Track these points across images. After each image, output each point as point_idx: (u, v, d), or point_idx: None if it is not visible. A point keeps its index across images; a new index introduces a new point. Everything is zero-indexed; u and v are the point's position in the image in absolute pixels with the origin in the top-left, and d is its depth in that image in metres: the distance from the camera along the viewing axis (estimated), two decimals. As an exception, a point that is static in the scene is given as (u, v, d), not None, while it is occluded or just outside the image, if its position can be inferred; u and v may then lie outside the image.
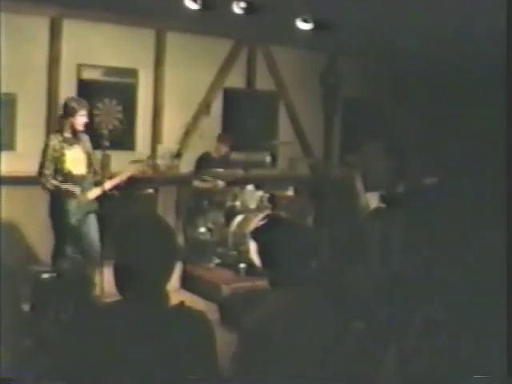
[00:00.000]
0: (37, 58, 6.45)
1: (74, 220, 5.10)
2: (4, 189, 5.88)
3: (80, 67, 6.76)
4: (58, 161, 5.08)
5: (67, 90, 6.59)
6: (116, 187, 5.40)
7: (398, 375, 3.54)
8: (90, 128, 5.36)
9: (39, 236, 5.96)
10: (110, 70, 7.04)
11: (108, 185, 5.30)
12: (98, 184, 5.31)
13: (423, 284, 5.27)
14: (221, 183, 6.69)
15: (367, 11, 5.66)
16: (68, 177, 5.12)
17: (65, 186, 5.06)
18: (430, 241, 6.63)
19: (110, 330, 1.96)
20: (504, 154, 3.79)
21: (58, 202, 5.10)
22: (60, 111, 5.32)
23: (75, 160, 5.17)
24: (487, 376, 3.18)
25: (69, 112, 5.12)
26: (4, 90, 5.98)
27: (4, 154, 6.10)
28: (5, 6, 5.59)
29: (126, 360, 1.92)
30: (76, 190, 5.08)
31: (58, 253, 5.20)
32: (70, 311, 4.58)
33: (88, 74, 6.86)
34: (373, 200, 6.47)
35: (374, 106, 8.20)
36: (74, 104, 5.15)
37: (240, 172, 6.74)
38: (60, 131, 5.16)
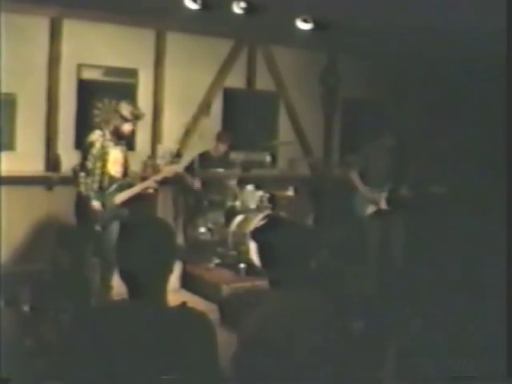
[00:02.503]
0: (37, 58, 6.44)
1: (98, 224, 5.02)
2: (4, 189, 5.88)
3: (80, 67, 6.75)
4: (101, 159, 5.07)
5: (67, 90, 6.60)
6: (145, 189, 5.38)
7: (398, 375, 3.54)
8: (133, 134, 5.32)
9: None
10: (110, 70, 7.03)
11: (137, 189, 5.28)
12: (129, 186, 5.28)
13: (423, 284, 5.28)
14: (197, 183, 6.70)
15: (367, 11, 5.66)
16: (104, 176, 5.10)
17: (92, 202, 4.99)
18: (431, 243, 6.63)
19: (110, 330, 1.96)
20: (504, 154, 3.79)
21: (83, 203, 5.05)
22: (109, 113, 5.31)
23: (115, 161, 5.18)
24: (487, 376, 3.18)
25: (122, 118, 5.14)
26: (4, 90, 5.97)
27: (4, 154, 6.09)
28: (5, 6, 5.58)
29: (126, 360, 1.92)
30: (98, 206, 5.02)
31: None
32: (69, 311, 4.58)
33: (88, 74, 6.85)
34: (377, 198, 6.42)
35: (374, 106, 8.20)
36: (128, 111, 5.17)
37: (238, 171, 6.72)
38: (107, 131, 5.17)
